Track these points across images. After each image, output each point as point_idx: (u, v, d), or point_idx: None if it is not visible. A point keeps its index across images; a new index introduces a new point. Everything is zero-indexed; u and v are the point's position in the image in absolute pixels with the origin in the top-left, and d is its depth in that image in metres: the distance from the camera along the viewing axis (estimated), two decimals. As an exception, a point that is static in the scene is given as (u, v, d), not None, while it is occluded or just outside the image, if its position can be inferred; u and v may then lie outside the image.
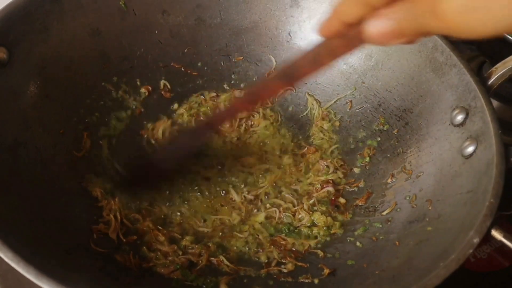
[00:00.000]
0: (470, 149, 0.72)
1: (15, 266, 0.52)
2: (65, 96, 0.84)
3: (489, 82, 0.76)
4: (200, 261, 0.76)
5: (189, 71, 0.97)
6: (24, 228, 0.64)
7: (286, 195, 0.85)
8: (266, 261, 0.78)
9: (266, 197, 0.85)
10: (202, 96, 0.97)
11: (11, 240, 0.56)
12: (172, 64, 0.96)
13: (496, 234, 0.66)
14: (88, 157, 0.85)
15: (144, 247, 0.77)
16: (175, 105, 0.95)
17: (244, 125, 0.93)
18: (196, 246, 0.78)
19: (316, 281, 0.74)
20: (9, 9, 0.76)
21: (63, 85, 0.84)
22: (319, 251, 0.79)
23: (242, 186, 0.86)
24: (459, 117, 0.76)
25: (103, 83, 0.90)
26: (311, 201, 0.84)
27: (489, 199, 0.62)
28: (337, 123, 0.94)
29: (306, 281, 0.74)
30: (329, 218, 0.82)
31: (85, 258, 0.70)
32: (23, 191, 0.71)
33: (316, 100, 0.96)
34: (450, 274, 0.55)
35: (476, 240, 0.58)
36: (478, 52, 1.01)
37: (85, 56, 0.87)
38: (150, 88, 0.94)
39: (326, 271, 0.75)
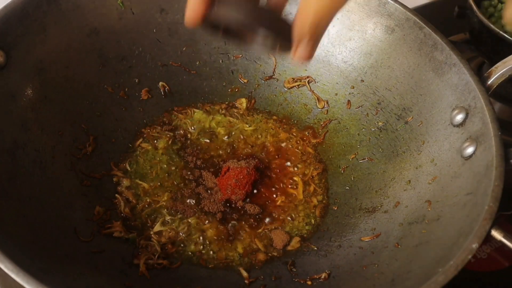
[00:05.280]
0: (470, 150, 0.72)
1: (14, 277, 0.52)
2: (64, 97, 0.84)
3: (489, 82, 0.76)
4: None
5: (187, 70, 0.97)
6: (24, 234, 0.65)
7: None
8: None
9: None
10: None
11: (10, 248, 0.56)
12: (170, 63, 0.96)
13: (496, 234, 0.66)
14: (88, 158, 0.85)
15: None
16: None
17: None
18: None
19: (314, 283, 0.74)
20: (6, 11, 0.75)
21: (62, 86, 0.84)
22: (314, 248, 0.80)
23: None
24: (459, 117, 0.76)
25: (101, 84, 0.89)
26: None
27: (489, 203, 0.62)
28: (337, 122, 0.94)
29: (303, 282, 0.75)
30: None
31: (87, 264, 0.70)
32: (23, 194, 0.71)
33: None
34: (449, 281, 0.55)
35: (475, 246, 0.58)
36: (477, 52, 1.00)
37: (83, 56, 0.87)
38: (149, 94, 0.94)
39: (324, 273, 0.75)
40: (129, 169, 0.87)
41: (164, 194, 0.84)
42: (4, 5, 0.76)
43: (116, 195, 0.83)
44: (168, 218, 0.81)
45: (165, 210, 0.82)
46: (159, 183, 0.85)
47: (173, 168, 0.88)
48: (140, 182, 0.85)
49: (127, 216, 0.81)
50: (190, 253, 0.79)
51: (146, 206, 0.83)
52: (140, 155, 0.88)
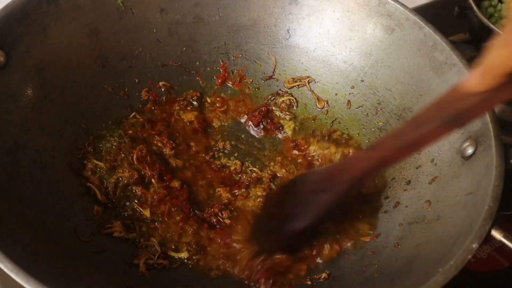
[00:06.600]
0: (470, 150, 0.72)
1: (14, 277, 0.53)
2: (64, 97, 0.84)
3: (489, 82, 0.76)
4: None
5: (187, 70, 0.97)
6: (24, 234, 0.65)
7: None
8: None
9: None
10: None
11: (10, 248, 0.56)
12: (170, 63, 0.96)
13: (496, 234, 0.66)
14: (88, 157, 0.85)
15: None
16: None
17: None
18: None
19: (314, 283, 0.74)
20: (6, 11, 0.76)
21: (62, 86, 0.84)
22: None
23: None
24: (459, 118, 0.76)
25: (101, 84, 0.89)
26: None
27: (488, 203, 0.62)
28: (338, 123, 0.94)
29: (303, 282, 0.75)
30: None
31: (87, 264, 0.70)
32: (23, 195, 0.71)
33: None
34: (449, 281, 0.55)
35: (475, 246, 0.58)
36: (477, 52, 1.00)
37: (84, 56, 0.87)
38: (149, 94, 0.94)
39: (324, 273, 0.75)
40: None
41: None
42: (4, 5, 0.76)
43: (88, 184, 0.82)
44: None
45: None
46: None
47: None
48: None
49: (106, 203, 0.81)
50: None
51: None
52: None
